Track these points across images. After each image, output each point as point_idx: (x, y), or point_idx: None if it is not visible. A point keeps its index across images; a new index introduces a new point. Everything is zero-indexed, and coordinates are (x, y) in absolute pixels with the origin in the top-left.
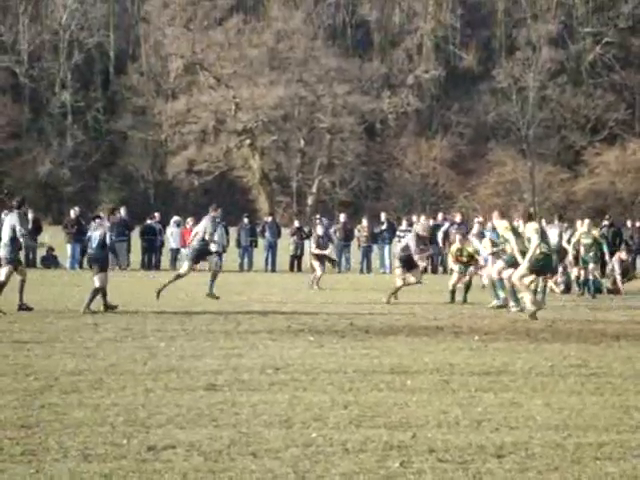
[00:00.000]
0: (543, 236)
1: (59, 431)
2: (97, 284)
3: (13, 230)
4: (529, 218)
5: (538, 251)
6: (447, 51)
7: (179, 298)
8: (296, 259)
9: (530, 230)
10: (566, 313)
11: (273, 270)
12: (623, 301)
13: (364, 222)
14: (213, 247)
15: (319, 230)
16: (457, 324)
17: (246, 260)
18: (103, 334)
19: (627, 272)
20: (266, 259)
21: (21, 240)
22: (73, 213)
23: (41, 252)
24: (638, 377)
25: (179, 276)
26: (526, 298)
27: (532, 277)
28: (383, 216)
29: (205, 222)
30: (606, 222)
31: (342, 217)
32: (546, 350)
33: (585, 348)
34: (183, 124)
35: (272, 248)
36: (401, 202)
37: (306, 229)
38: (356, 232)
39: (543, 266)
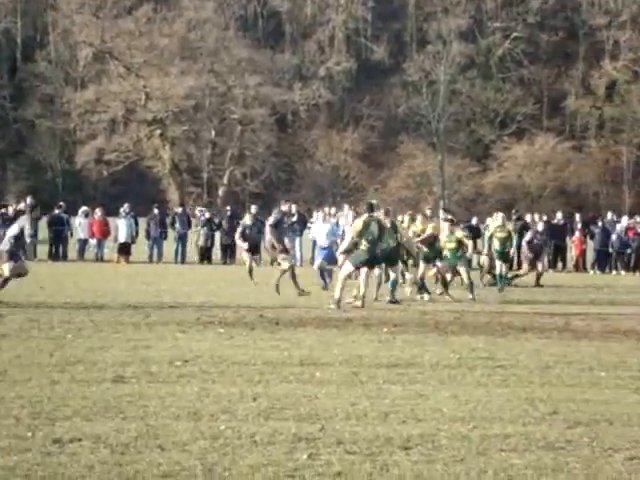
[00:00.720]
0: (371, 229)
1: None
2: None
3: (21, 230)
4: (368, 209)
5: (363, 246)
6: (359, 43)
7: (86, 290)
8: (206, 251)
9: (355, 223)
10: (474, 306)
11: (183, 262)
12: (531, 294)
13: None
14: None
15: (247, 220)
16: (366, 316)
17: (155, 251)
18: (8, 325)
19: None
20: (176, 250)
21: (27, 241)
22: None
23: None
24: (544, 369)
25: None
26: (337, 295)
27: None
28: (294, 208)
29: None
30: (514, 216)
31: (253, 208)
32: (454, 342)
33: (492, 341)
34: (92, 113)
35: (182, 239)
36: (312, 194)
37: (216, 220)
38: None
39: (367, 260)
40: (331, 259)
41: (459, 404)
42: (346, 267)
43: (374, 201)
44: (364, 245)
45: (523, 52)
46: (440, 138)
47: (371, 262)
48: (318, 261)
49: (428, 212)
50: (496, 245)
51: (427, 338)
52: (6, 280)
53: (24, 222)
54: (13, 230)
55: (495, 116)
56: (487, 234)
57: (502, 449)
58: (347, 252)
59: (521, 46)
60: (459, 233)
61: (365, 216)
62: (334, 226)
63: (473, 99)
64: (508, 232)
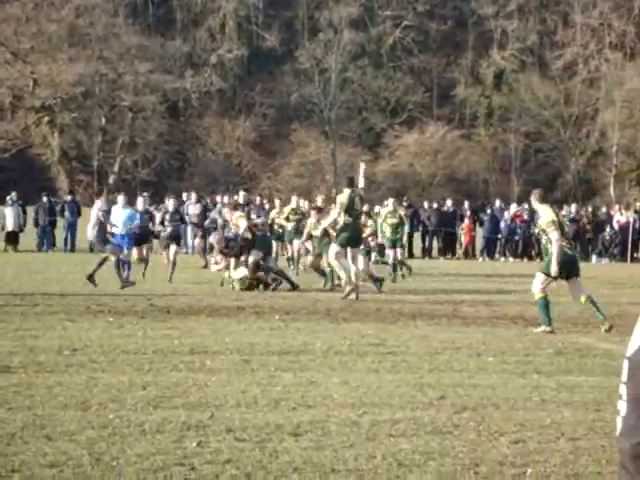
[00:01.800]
0: (355, 204)
1: None
2: None
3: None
4: (348, 184)
5: (347, 221)
6: (250, 31)
7: None
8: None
9: (340, 199)
10: (365, 293)
11: (72, 250)
12: (421, 282)
13: (168, 201)
14: None
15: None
16: (259, 304)
17: (45, 240)
18: None
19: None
20: (65, 239)
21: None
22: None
23: None
24: (433, 355)
25: None
26: (342, 276)
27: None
28: (185, 196)
29: None
30: (405, 203)
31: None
32: (345, 329)
33: (383, 327)
34: None
35: (72, 227)
36: (204, 182)
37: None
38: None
39: (350, 237)
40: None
41: (349, 390)
42: (332, 250)
43: (353, 175)
44: (347, 220)
45: (413, 41)
46: (332, 126)
47: (354, 240)
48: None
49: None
50: (387, 232)
51: (318, 325)
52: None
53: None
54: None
55: (386, 104)
56: (379, 221)
57: (391, 434)
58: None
59: (411, 35)
60: (402, 211)
61: (349, 191)
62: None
63: (364, 87)
64: (400, 218)
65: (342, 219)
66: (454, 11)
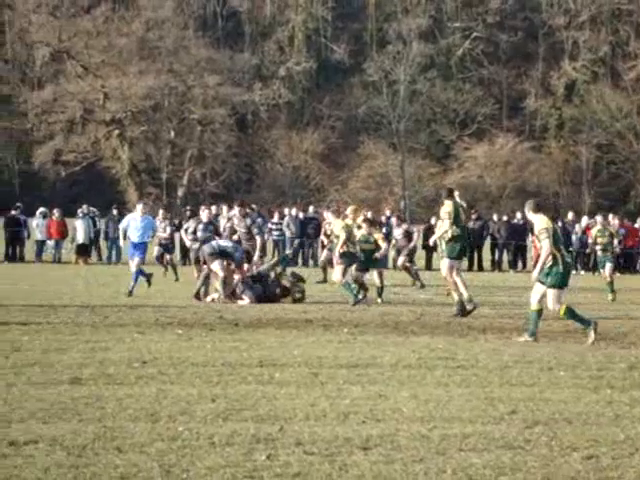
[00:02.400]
0: (460, 215)
1: None
2: None
3: None
4: (448, 195)
5: (455, 232)
6: (319, 43)
7: (44, 291)
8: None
9: (447, 209)
10: (433, 307)
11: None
12: (491, 295)
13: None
14: None
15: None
16: (326, 317)
17: (114, 252)
18: None
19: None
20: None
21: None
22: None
23: None
24: (503, 369)
25: None
26: (456, 294)
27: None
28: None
29: None
30: (474, 216)
31: (214, 209)
32: (414, 343)
33: (452, 341)
34: (50, 113)
35: None
36: (272, 194)
37: (176, 221)
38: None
39: (461, 250)
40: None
41: (419, 404)
42: (445, 264)
43: (452, 187)
44: (455, 232)
45: (483, 52)
46: (400, 138)
47: (464, 252)
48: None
49: (388, 212)
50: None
51: (387, 339)
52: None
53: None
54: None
55: (455, 116)
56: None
57: (461, 449)
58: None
59: (481, 46)
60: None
61: (451, 202)
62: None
63: (433, 99)
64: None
65: (450, 231)
66: (524, 22)
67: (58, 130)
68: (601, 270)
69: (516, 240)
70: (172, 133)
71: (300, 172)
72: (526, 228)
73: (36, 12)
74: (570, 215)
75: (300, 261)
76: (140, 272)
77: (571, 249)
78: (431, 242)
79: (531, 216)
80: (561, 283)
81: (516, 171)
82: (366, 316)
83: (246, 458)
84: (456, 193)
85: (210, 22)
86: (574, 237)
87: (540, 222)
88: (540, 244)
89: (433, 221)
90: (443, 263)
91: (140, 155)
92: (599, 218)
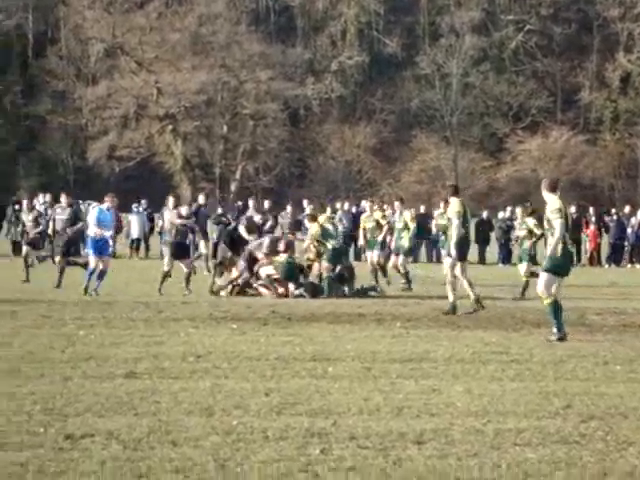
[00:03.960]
0: (467, 213)
1: None
2: None
3: None
4: (454, 192)
5: (462, 231)
6: (371, 37)
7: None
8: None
9: (455, 207)
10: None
11: (196, 258)
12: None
13: (288, 209)
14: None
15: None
16: (379, 311)
17: None
18: (20, 321)
19: None
20: None
21: None
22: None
23: None
24: (558, 363)
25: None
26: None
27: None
28: (306, 203)
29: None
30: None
31: (266, 204)
32: (467, 337)
33: (506, 335)
34: (104, 109)
35: (195, 235)
36: (325, 189)
37: (230, 216)
38: (280, 219)
39: (468, 247)
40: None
41: (473, 398)
42: (450, 263)
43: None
44: (461, 232)
45: (536, 45)
46: (453, 132)
47: (467, 253)
48: None
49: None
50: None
51: (440, 333)
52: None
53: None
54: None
55: (509, 109)
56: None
57: (516, 443)
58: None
59: (534, 39)
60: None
61: (459, 199)
62: None
63: (486, 92)
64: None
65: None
66: (578, 14)
67: (112, 126)
68: None
69: (570, 233)
70: (225, 128)
71: (352, 166)
72: (580, 222)
73: (90, 8)
74: (627, 208)
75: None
76: None
77: (626, 243)
78: (452, 250)
79: (545, 195)
80: (556, 269)
81: (570, 164)
82: (419, 311)
83: (300, 452)
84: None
85: (262, 17)
86: (629, 230)
87: (554, 202)
88: (552, 225)
89: (484, 215)
90: (446, 262)
91: (193, 150)
92: None
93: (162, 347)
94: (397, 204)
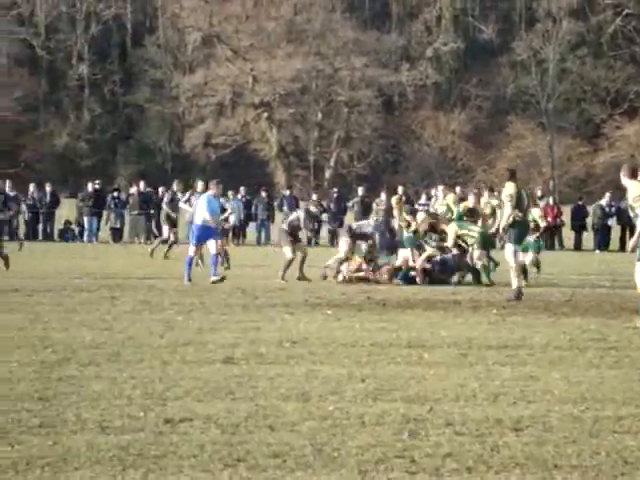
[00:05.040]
0: (523, 197)
1: (77, 403)
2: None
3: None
4: (511, 177)
5: (517, 217)
6: (466, 23)
7: (195, 272)
8: (314, 233)
9: (509, 191)
10: (584, 288)
11: None
12: None
13: (382, 196)
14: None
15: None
16: (475, 298)
17: (263, 234)
18: (120, 307)
19: None
20: None
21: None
22: (91, 186)
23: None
24: None
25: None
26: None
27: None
28: (401, 189)
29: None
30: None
31: (360, 190)
32: (565, 324)
33: (604, 322)
34: (200, 97)
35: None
36: (419, 175)
37: (324, 203)
38: (374, 206)
39: (524, 233)
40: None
41: (570, 386)
42: (509, 249)
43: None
44: (517, 216)
45: (635, 29)
46: (549, 118)
47: (524, 236)
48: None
49: (539, 193)
50: None
51: (537, 319)
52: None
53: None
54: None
55: (606, 95)
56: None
57: (615, 431)
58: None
59: (633, 23)
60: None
61: (515, 184)
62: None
63: (583, 78)
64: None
65: (512, 214)
66: None
67: (208, 113)
68: None
69: None
70: (319, 115)
71: (447, 153)
72: None
73: None
74: None
75: None
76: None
77: None
78: (501, 229)
79: (626, 182)
80: None
81: None
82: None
83: (396, 438)
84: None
85: (357, 3)
86: None
87: (636, 189)
88: (635, 212)
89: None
90: (508, 247)
91: (288, 137)
92: None
93: (258, 333)
94: (486, 194)
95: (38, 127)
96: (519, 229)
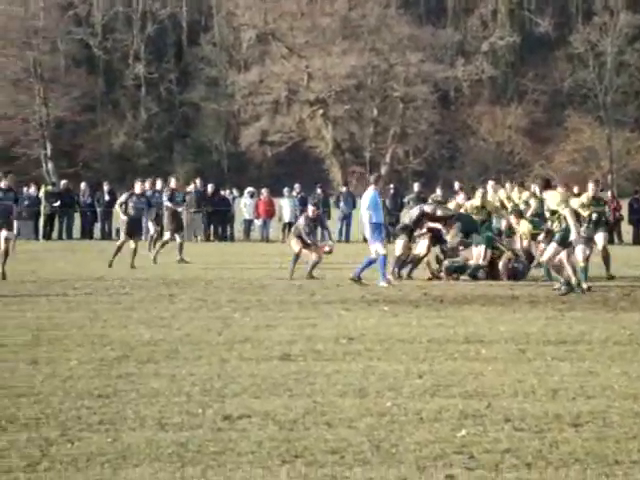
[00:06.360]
0: None
1: (135, 400)
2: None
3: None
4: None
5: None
6: (522, 17)
7: (252, 269)
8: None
9: (563, 198)
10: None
11: (347, 241)
12: None
13: (438, 191)
14: None
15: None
16: (533, 293)
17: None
18: (178, 305)
19: None
20: (340, 230)
21: None
22: (148, 185)
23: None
24: None
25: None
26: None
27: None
28: (457, 185)
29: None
30: None
31: (416, 186)
32: (624, 319)
33: None
34: (256, 95)
35: (347, 219)
36: (476, 171)
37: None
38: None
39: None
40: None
41: (630, 381)
42: (553, 250)
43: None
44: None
45: None
46: (607, 111)
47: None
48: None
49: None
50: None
51: (596, 315)
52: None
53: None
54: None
55: None
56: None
57: None
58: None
59: None
60: None
61: (556, 191)
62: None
63: None
64: None
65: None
66: None
67: (264, 111)
68: None
69: None
70: (375, 111)
71: (504, 147)
72: None
73: None
74: None
75: None
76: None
77: None
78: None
79: None
80: None
81: None
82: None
83: (455, 434)
84: None
85: None
86: None
87: None
88: None
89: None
90: (552, 247)
91: (343, 134)
92: None
93: (315, 329)
94: (516, 189)
95: (96, 126)
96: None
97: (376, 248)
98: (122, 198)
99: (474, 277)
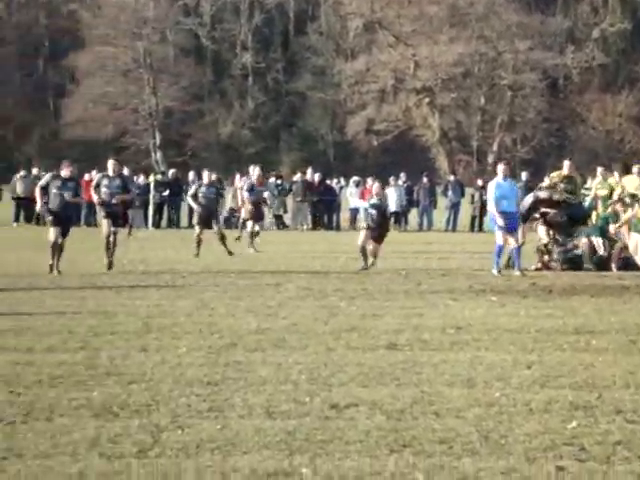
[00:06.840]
0: None
1: (244, 388)
2: None
3: None
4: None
5: None
6: (634, 3)
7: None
8: (477, 219)
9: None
10: None
11: (454, 230)
12: None
13: (546, 180)
14: None
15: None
16: None
17: (425, 220)
18: (284, 293)
19: None
20: (447, 219)
21: None
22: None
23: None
24: None
25: None
26: None
27: None
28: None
29: None
30: None
31: (524, 175)
32: None
33: None
34: (362, 83)
35: (455, 207)
36: (585, 159)
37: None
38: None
39: None
40: None
41: None
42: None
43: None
44: None
45: None
46: None
47: None
48: None
49: None
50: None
51: None
52: None
53: None
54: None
55: None
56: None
57: None
58: None
59: None
60: None
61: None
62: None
63: None
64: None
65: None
66: None
67: (370, 100)
68: None
69: None
70: (482, 99)
71: (614, 136)
72: None
73: None
74: None
75: None
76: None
77: None
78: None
79: None
80: None
81: None
82: None
83: (565, 425)
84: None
85: None
86: None
87: None
88: None
89: None
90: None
91: (450, 122)
92: None
93: (422, 319)
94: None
95: (203, 116)
96: None
97: (515, 236)
98: (192, 190)
99: (595, 266)
